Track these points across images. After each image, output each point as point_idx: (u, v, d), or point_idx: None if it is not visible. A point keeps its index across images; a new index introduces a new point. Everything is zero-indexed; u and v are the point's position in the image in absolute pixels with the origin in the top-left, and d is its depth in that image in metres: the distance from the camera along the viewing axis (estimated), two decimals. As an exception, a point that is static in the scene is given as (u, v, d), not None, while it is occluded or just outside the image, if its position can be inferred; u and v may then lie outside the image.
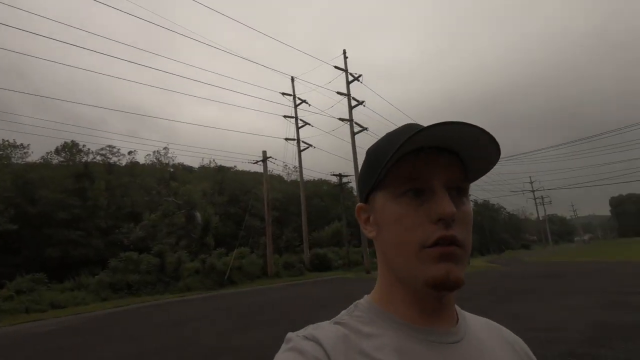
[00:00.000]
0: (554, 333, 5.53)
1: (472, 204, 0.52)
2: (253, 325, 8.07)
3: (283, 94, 30.68)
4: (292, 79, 31.19)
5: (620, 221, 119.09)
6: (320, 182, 51.03)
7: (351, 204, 42.75)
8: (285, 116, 30.51)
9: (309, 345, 0.45)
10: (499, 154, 0.46)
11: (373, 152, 0.53)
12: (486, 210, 68.05)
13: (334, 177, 33.44)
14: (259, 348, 5.95)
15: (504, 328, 0.58)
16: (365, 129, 27.11)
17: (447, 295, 0.48)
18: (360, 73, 27.05)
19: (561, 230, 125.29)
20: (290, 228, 36.94)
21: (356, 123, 26.97)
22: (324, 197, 49.17)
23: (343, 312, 0.53)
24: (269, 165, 27.66)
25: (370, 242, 29.52)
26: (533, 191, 76.19)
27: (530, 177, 77.32)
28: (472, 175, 0.50)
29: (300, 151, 30.36)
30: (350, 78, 27.37)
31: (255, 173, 49.25)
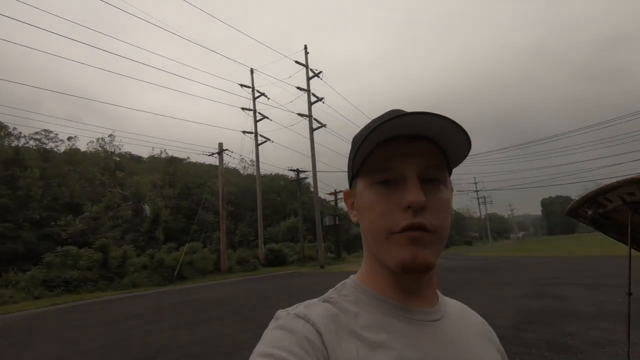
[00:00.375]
0: (488, 320, 6.04)
1: (452, 190, 0.53)
2: (202, 321, 7.88)
3: (242, 85, 29.99)
4: (252, 71, 30.57)
5: (549, 220, 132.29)
6: (278, 177, 50.69)
7: (308, 199, 43.02)
8: (243, 108, 29.88)
9: (300, 323, 0.45)
10: (469, 143, 0.48)
11: (355, 139, 0.54)
12: (435, 208, 71.43)
13: (292, 172, 33.44)
14: (207, 344, 5.84)
15: (473, 311, 0.63)
16: (324, 125, 27.37)
17: (423, 277, 0.51)
18: (321, 70, 27.23)
19: (500, 227, 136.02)
20: (245, 223, 36.34)
21: (315, 119, 27.13)
22: (281, 192, 48.92)
23: (331, 290, 0.54)
24: (225, 158, 26.92)
25: (325, 238, 29.93)
26: (477, 191, 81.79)
27: (474, 178, 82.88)
28: (452, 162, 0.52)
29: (257, 145, 29.91)
30: (311, 74, 27.43)
31: (210, 166, 47.73)
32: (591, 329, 5.09)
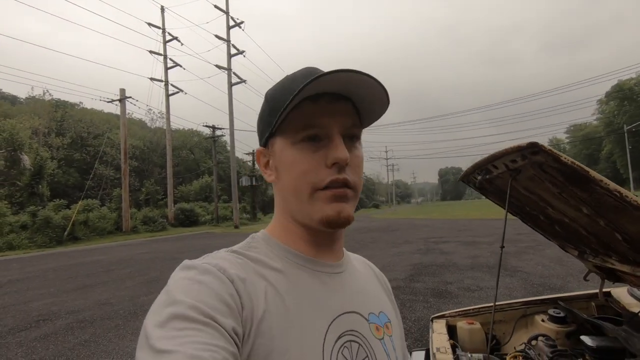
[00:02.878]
0: (386, 273, 6.76)
1: (362, 148, 0.56)
2: (98, 284, 7.23)
3: (150, 25, 26.28)
4: (162, 9, 26.91)
5: (443, 188, 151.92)
6: (191, 133, 47.30)
7: (224, 158, 41.29)
8: (151, 52, 26.42)
9: (211, 272, 0.43)
10: (388, 101, 0.50)
11: (272, 96, 0.53)
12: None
13: (207, 128, 31.42)
14: (103, 308, 5.40)
15: (372, 264, 0.71)
16: (244, 81, 25.94)
17: (338, 232, 0.54)
18: (243, 20, 25.25)
19: (404, 193, 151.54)
20: (153, 180, 33.52)
21: (234, 73, 25.48)
22: (194, 149, 45.97)
23: (240, 244, 0.53)
24: (129, 107, 23.92)
25: (241, 198, 29.44)
26: (387, 159, 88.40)
27: (386, 147, 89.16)
28: (366, 121, 0.54)
29: (168, 95, 27.11)
30: (232, 23, 25.30)
31: (110, 114, 42.08)
32: (466, 278, 6.08)
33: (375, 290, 0.62)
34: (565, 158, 0.86)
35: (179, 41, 27.04)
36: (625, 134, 39.15)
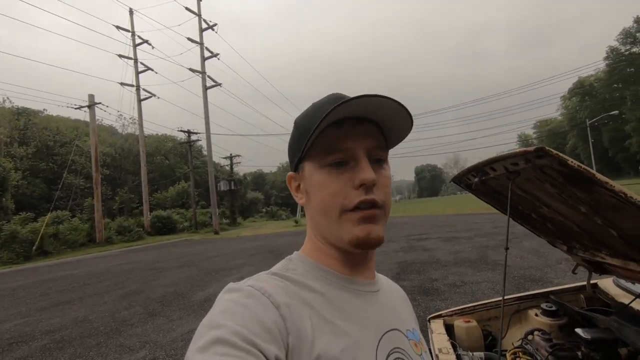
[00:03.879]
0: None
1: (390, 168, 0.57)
2: (75, 300, 6.89)
3: (118, 27, 25.41)
4: (131, 11, 26.09)
5: (420, 185, 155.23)
6: (165, 138, 46.10)
7: (200, 163, 40.45)
8: (120, 56, 25.55)
9: (256, 297, 0.44)
10: (412, 124, 0.52)
11: (299, 123, 0.55)
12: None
13: (182, 133, 30.69)
14: (82, 326, 5.15)
15: (393, 282, 0.71)
16: (219, 84, 25.53)
17: (371, 252, 0.56)
18: (216, 22, 24.87)
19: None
20: (127, 188, 32.37)
21: (209, 76, 25.04)
22: (169, 154, 44.80)
23: (277, 265, 0.55)
24: (99, 113, 23.00)
25: (219, 203, 28.95)
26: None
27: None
28: (391, 142, 0.55)
29: (140, 100, 26.30)
30: (204, 25, 24.85)
31: (77, 121, 40.37)
32: (450, 274, 6.21)
33: (404, 307, 0.64)
34: (572, 162, 0.88)
35: (149, 44, 26.31)
36: (588, 128, 41.37)
